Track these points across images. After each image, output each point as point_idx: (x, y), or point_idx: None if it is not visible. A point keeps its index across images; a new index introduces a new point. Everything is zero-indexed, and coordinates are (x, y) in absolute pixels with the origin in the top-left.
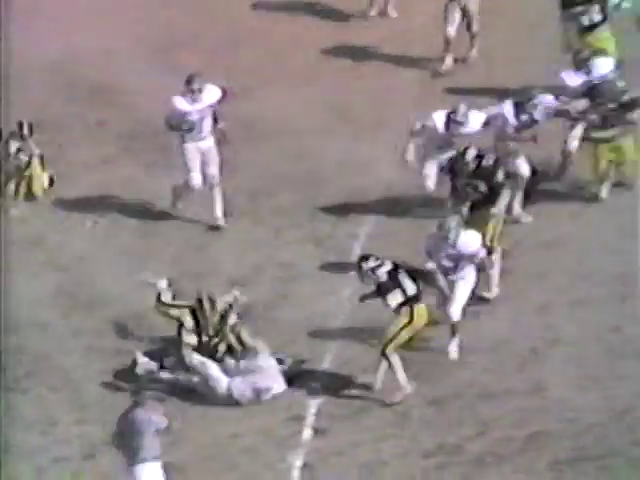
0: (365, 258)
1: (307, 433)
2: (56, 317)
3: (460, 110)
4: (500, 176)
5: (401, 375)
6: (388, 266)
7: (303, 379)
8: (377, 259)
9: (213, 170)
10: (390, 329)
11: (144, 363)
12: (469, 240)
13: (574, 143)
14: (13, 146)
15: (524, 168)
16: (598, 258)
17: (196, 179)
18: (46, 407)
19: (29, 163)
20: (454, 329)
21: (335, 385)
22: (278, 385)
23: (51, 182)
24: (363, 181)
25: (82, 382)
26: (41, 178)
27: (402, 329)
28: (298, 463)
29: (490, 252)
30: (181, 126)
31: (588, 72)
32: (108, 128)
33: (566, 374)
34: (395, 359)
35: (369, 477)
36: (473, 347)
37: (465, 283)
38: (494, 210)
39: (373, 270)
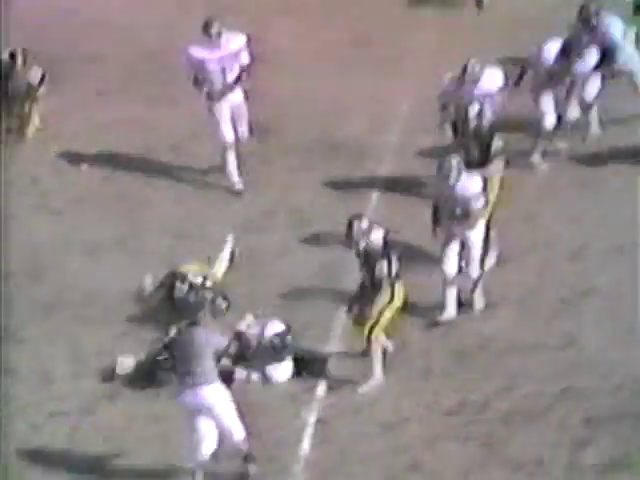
0: (358, 217)
1: (322, 389)
2: (53, 264)
3: (469, 67)
4: (497, 144)
5: (377, 367)
6: (381, 233)
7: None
8: (370, 222)
9: (243, 128)
10: (373, 309)
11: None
12: (469, 182)
13: (591, 94)
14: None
15: (548, 118)
16: (633, 203)
17: (228, 133)
18: (42, 359)
19: (42, 80)
20: (475, 282)
21: (350, 340)
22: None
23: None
24: (383, 118)
25: (80, 333)
26: (35, 115)
27: (384, 309)
28: (312, 419)
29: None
30: (206, 81)
31: (593, 28)
32: (106, 62)
33: (599, 326)
34: (377, 347)
35: (388, 435)
36: (500, 297)
37: (475, 235)
38: (485, 172)
39: (364, 233)
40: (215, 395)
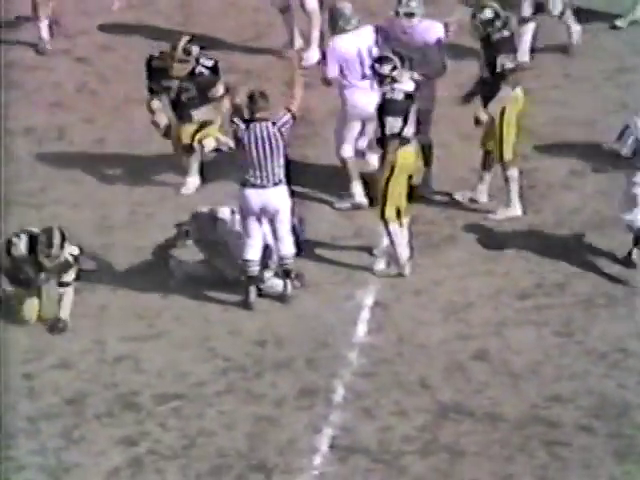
0: (381, 60)
1: (380, 266)
2: (77, 120)
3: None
4: (506, 63)
5: (401, 250)
6: (409, 86)
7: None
8: (395, 68)
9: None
10: (378, 184)
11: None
12: (434, 24)
13: None
14: None
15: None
16: None
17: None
18: (66, 226)
19: None
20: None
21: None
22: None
23: None
24: None
25: (108, 200)
26: None
27: (385, 182)
28: (368, 302)
29: (504, 168)
30: None
31: None
32: None
33: None
34: (395, 229)
35: (452, 320)
36: (584, 164)
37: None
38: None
39: (387, 76)
40: (284, 197)
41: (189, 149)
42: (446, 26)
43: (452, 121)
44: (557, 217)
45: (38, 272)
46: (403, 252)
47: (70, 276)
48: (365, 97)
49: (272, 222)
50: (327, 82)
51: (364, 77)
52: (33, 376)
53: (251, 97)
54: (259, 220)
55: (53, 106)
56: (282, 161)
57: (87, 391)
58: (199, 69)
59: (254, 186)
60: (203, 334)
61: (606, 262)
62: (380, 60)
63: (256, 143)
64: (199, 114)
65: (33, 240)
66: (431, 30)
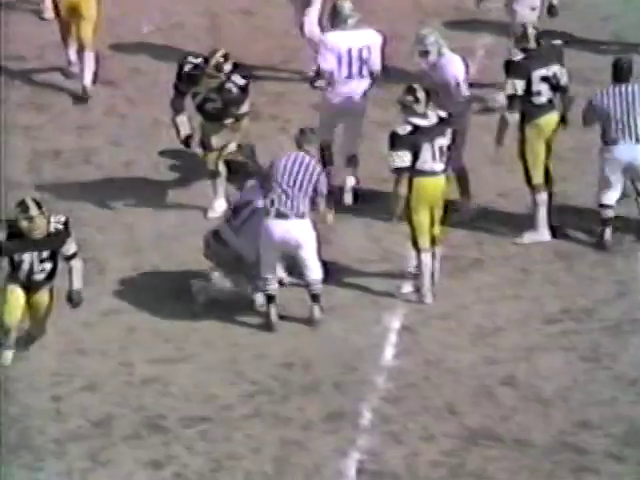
0: (407, 89)
1: (407, 290)
2: (104, 143)
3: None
4: (508, 88)
5: (426, 280)
6: (424, 121)
7: None
8: (416, 100)
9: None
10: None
11: None
12: (453, 60)
13: None
14: None
15: None
16: None
17: None
18: (95, 249)
19: None
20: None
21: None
22: None
23: None
24: None
25: (135, 223)
26: None
27: (410, 212)
28: (396, 325)
29: (533, 192)
30: None
31: None
32: None
33: None
34: (426, 259)
35: (479, 345)
36: None
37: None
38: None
39: (407, 109)
40: (308, 230)
41: (215, 174)
42: (465, 61)
43: (481, 145)
44: (584, 241)
45: (31, 252)
46: (428, 282)
47: (71, 246)
48: (345, 101)
49: (296, 252)
50: (319, 76)
51: (350, 77)
52: (61, 398)
53: (301, 131)
54: (279, 250)
55: (81, 129)
56: (309, 197)
57: (114, 413)
58: (229, 85)
59: (276, 216)
60: (230, 357)
61: (634, 287)
62: (406, 89)
63: (291, 169)
64: (218, 141)
65: (13, 225)
66: (450, 66)
